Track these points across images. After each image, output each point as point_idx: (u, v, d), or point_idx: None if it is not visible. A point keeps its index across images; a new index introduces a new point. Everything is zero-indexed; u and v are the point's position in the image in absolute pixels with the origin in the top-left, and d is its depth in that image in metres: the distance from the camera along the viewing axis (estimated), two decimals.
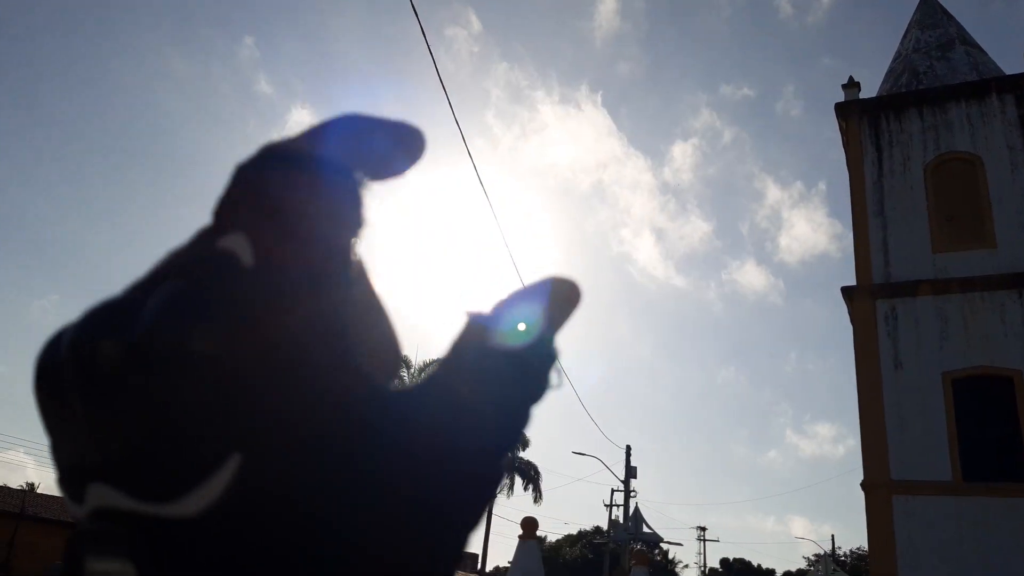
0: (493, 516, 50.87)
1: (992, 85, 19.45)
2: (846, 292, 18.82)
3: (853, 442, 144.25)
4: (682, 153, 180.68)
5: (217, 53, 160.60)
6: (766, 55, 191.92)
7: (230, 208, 0.32)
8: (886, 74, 22.34)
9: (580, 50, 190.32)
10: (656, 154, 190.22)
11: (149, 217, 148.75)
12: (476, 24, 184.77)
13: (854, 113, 20.68)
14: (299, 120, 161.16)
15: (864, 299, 18.42)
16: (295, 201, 0.31)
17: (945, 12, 22.72)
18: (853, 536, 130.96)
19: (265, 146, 0.33)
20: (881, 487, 16.63)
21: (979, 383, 16.80)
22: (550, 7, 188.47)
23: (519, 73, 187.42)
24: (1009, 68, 20.40)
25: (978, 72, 20.32)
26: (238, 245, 0.30)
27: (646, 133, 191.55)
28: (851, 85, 21.22)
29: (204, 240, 0.32)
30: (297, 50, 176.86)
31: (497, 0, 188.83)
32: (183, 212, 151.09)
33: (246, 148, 0.31)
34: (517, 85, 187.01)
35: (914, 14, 23.20)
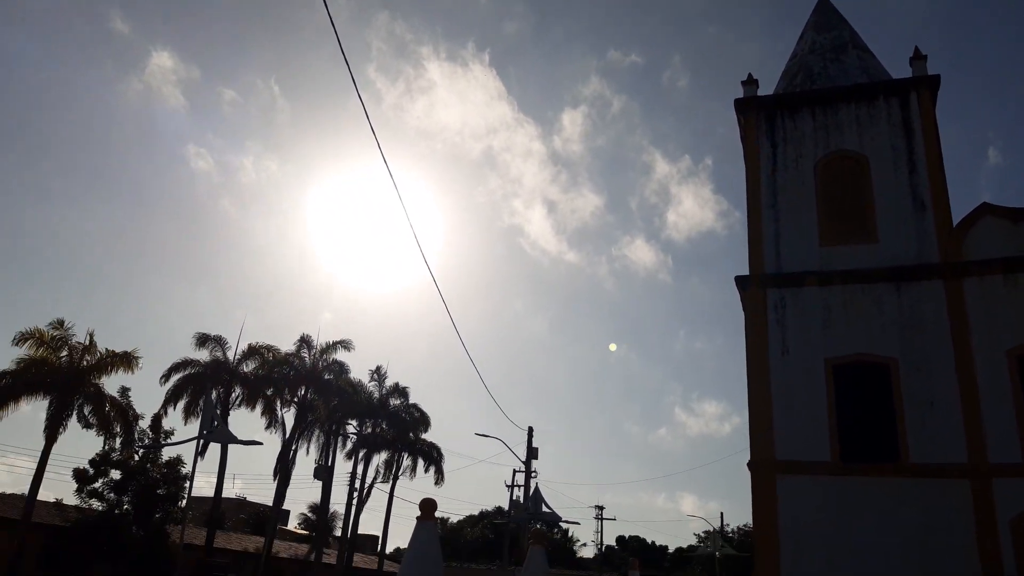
0: (394, 498, 50.68)
1: (880, 88, 20.49)
2: (739, 281, 19.58)
3: (739, 420, 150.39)
4: (572, 122, 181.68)
5: None
6: (654, 20, 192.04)
7: None
8: (782, 73, 23.22)
9: (465, 4, 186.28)
10: (546, 121, 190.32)
11: None
12: None
13: (752, 109, 21.45)
14: (160, 64, 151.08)
15: (756, 288, 19.21)
16: None
17: (840, 16, 23.73)
18: (741, 513, 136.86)
19: None
20: (766, 466, 17.44)
21: (858, 369, 17.80)
22: None
23: (402, 25, 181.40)
24: (896, 72, 21.51)
25: (868, 75, 21.35)
26: None
27: (536, 98, 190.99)
28: (750, 82, 21.99)
29: None
30: None
31: None
32: (25, 159, 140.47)
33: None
34: (401, 38, 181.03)
35: (811, 17, 24.14)
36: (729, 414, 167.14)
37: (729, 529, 56.90)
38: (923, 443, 16.61)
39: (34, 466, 32.26)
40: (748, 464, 17.74)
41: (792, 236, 19.63)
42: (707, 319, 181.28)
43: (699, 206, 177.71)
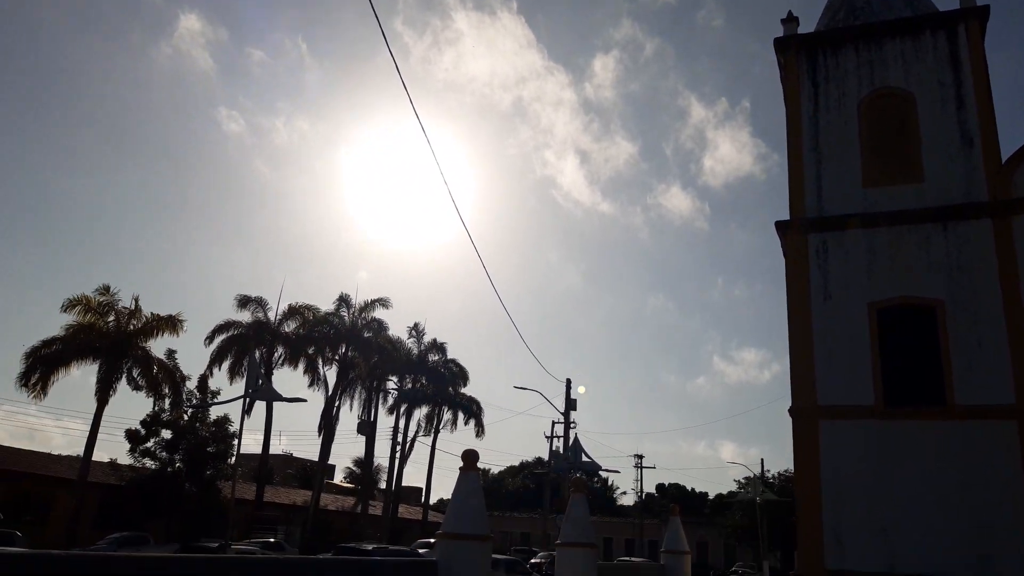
0: (436, 451, 51.49)
1: (926, 22, 19.71)
2: (780, 226, 19.20)
3: (778, 367, 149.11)
4: (603, 67, 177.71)
5: None
6: None
7: None
8: (824, 9, 22.43)
9: None
10: (577, 68, 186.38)
11: (27, 137, 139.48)
12: None
13: (792, 48, 20.79)
14: (189, 27, 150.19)
15: (797, 233, 18.84)
16: None
17: None
18: (781, 459, 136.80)
19: None
20: (809, 413, 17.30)
21: (903, 312, 17.46)
22: None
23: None
24: (942, 5, 20.67)
25: (913, 9, 20.54)
26: None
27: (566, 45, 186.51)
28: (790, 19, 21.28)
29: None
30: None
31: None
32: (64, 130, 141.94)
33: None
34: None
35: None
36: (769, 361, 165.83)
37: (769, 475, 56.90)
38: (969, 385, 16.33)
39: (87, 429, 33.30)
40: (789, 410, 17.61)
41: (834, 178, 19.15)
42: (746, 266, 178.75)
43: (737, 150, 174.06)
